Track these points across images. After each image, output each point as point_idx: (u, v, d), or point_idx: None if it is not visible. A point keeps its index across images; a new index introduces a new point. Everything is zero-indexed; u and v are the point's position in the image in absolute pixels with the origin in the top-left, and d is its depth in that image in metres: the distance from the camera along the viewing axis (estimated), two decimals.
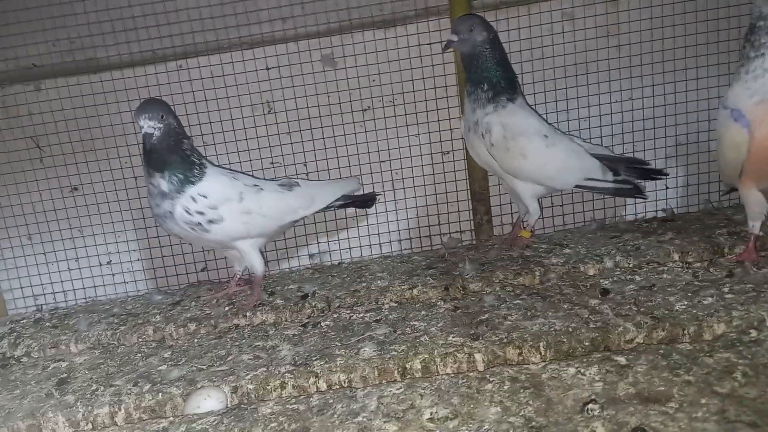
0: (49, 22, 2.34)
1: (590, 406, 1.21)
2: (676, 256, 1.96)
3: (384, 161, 2.50)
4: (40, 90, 2.39)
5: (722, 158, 1.78)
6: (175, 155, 1.81)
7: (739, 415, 1.14)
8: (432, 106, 2.45)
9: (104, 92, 2.39)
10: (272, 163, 2.48)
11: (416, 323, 1.70)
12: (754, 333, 1.42)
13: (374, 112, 2.46)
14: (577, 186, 2.11)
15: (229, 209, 1.86)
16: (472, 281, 1.97)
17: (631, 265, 1.93)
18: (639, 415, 1.17)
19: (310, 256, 2.52)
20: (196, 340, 1.79)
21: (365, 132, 2.47)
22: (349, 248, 2.53)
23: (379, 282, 2.03)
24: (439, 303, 1.84)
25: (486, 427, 1.20)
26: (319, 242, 2.53)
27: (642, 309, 1.59)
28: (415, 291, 1.96)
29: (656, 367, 1.33)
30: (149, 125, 1.75)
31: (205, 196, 1.83)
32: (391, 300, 1.92)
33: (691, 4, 2.35)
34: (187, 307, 2.00)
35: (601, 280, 1.83)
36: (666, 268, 1.85)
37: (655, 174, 2.18)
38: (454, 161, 2.49)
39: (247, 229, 1.91)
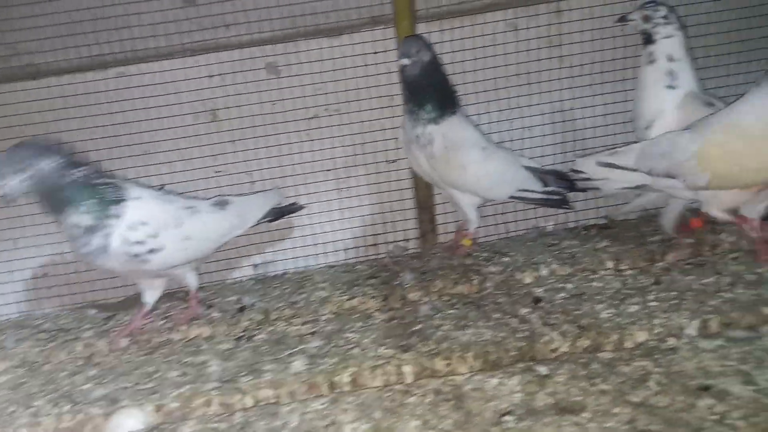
0: None
1: (506, 417, 1.23)
2: (609, 264, 2.00)
3: (330, 170, 2.50)
4: None
5: None
6: (78, 185, 1.62)
7: (648, 424, 1.17)
8: (377, 114, 2.46)
9: (43, 99, 2.33)
10: (217, 171, 2.46)
11: (351, 335, 1.69)
12: (672, 341, 1.46)
13: (320, 120, 2.46)
14: (511, 197, 2.13)
15: (170, 236, 1.72)
16: (412, 291, 1.98)
17: (565, 273, 1.97)
18: (553, 426, 1.19)
19: (255, 266, 2.49)
20: (125, 357, 1.76)
21: (311, 141, 2.47)
22: (295, 258, 2.52)
23: (319, 293, 2.03)
24: (376, 314, 1.84)
25: None
26: (264, 252, 2.51)
27: (569, 318, 1.62)
28: (354, 301, 1.96)
29: (575, 377, 1.35)
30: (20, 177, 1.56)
31: (145, 223, 1.68)
32: (329, 311, 1.92)
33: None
34: (121, 322, 1.96)
35: (534, 289, 1.86)
36: (598, 276, 1.88)
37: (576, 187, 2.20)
38: (399, 170, 2.50)
39: (187, 255, 1.79)
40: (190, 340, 1.83)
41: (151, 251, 1.69)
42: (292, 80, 2.40)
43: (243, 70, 2.38)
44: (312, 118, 2.46)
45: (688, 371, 1.33)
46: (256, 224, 2.00)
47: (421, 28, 2.39)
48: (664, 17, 1.91)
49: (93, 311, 2.06)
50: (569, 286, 1.84)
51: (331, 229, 2.51)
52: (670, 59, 1.91)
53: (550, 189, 2.12)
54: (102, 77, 2.35)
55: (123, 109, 2.36)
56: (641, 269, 1.90)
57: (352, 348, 1.61)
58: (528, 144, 2.48)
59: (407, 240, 2.54)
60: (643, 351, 1.43)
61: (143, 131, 2.38)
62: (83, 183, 1.63)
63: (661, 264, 1.93)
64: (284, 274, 2.34)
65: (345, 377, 1.49)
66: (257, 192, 2.18)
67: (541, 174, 2.15)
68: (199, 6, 2.35)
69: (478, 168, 2.05)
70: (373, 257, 2.47)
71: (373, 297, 1.96)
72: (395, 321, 1.76)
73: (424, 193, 2.47)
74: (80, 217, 1.62)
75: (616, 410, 1.23)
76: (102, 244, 1.64)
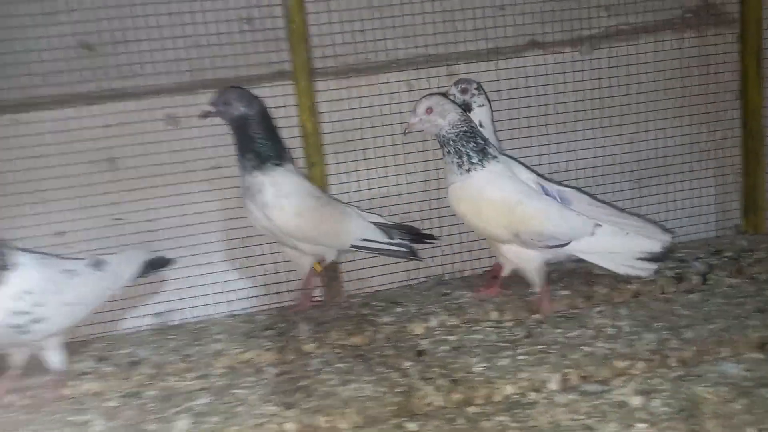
0: None
1: None
2: (494, 315, 2.14)
3: (235, 218, 2.53)
4: None
5: None
6: None
7: None
8: None
9: None
10: (115, 219, 2.44)
11: (240, 391, 1.73)
12: (533, 395, 1.59)
13: (222, 170, 2.49)
14: (353, 246, 2.25)
15: (54, 304, 1.64)
16: (307, 342, 2.04)
17: (452, 324, 2.08)
18: None
19: (155, 315, 2.47)
20: (10, 415, 1.71)
21: (213, 190, 2.50)
22: (199, 306, 2.51)
23: (215, 345, 2.04)
24: (268, 368, 1.88)
25: None
26: (167, 300, 2.48)
27: (445, 371, 1.73)
28: (249, 354, 1.99)
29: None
30: None
31: (29, 292, 1.59)
32: (223, 365, 1.94)
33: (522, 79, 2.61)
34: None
35: (421, 341, 1.96)
36: (480, 328, 2.01)
37: (427, 238, 2.40)
38: None
39: (70, 321, 1.73)
40: (79, 396, 1.80)
41: (35, 321, 1.61)
42: (192, 131, 2.43)
43: (141, 121, 2.39)
44: (212, 168, 2.49)
45: (541, 426, 1.46)
46: (130, 282, 1.96)
47: (320, 85, 2.50)
48: (477, 89, 2.22)
49: None
50: (452, 338, 1.95)
51: (233, 278, 2.53)
52: (481, 125, 2.18)
53: (395, 241, 2.25)
54: None
55: (17, 156, 2.31)
56: (518, 321, 2.04)
57: (238, 405, 1.64)
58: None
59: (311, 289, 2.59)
60: (506, 405, 1.55)
61: (40, 179, 2.33)
62: None
63: (537, 316, 2.08)
64: (183, 324, 2.33)
65: None
66: (126, 249, 2.15)
67: (386, 227, 2.28)
68: (99, 55, 2.36)
69: (314, 214, 2.13)
70: (276, 306, 2.51)
71: (269, 350, 2.00)
72: (285, 375, 1.81)
73: None
74: None
75: None
76: None
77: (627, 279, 2.24)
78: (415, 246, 2.36)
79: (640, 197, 2.74)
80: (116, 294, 1.94)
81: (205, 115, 2.11)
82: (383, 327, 2.09)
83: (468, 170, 1.98)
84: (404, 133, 2.17)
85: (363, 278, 2.61)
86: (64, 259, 1.85)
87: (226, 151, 2.45)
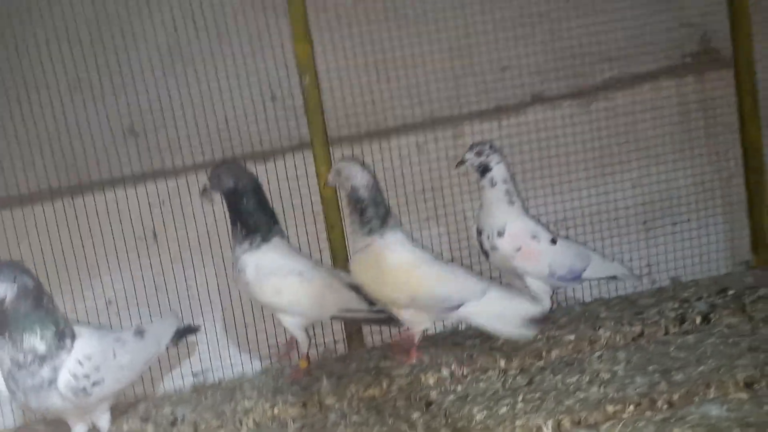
0: None
1: None
2: (502, 363, 2.26)
3: None
4: None
5: None
6: (39, 312, 1.75)
7: None
8: (302, 232, 2.74)
9: None
10: (157, 288, 2.70)
11: None
12: None
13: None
14: (333, 317, 2.40)
15: (110, 368, 1.85)
16: (328, 396, 2.21)
17: (462, 374, 2.22)
18: None
19: (194, 374, 2.70)
20: None
21: None
22: (233, 364, 2.73)
23: (246, 402, 2.24)
24: (291, 423, 2.06)
25: None
26: (201, 359, 2.72)
27: (449, 421, 1.87)
28: (276, 410, 2.18)
29: None
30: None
31: (89, 358, 1.80)
32: (252, 421, 2.13)
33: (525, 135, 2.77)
34: None
35: (431, 392, 2.10)
36: (486, 376, 2.14)
37: None
38: None
39: (120, 385, 1.93)
40: None
41: (95, 384, 1.81)
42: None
43: (180, 195, 2.67)
44: None
45: None
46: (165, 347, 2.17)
47: (337, 152, 2.73)
48: (491, 148, 2.35)
49: None
50: (459, 388, 2.09)
51: (271, 333, 2.73)
52: (505, 181, 2.35)
53: (376, 308, 2.32)
54: (50, 208, 2.61)
55: (72, 234, 2.62)
56: (523, 369, 2.16)
57: None
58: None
59: (335, 342, 2.78)
60: None
61: (92, 254, 2.63)
62: (47, 310, 1.77)
63: (541, 362, 2.20)
64: (220, 382, 2.54)
65: None
66: (161, 318, 2.43)
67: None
68: (141, 138, 2.67)
69: (293, 292, 2.27)
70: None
71: (293, 404, 2.18)
72: (305, 429, 1.99)
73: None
74: (37, 343, 1.71)
75: None
76: (50, 378, 1.73)
77: (630, 322, 2.35)
78: None
79: (647, 239, 2.83)
80: (154, 359, 2.15)
81: (203, 190, 2.35)
82: (398, 378, 2.24)
83: (369, 232, 2.19)
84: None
85: (382, 329, 2.78)
86: (114, 330, 2.13)
87: None
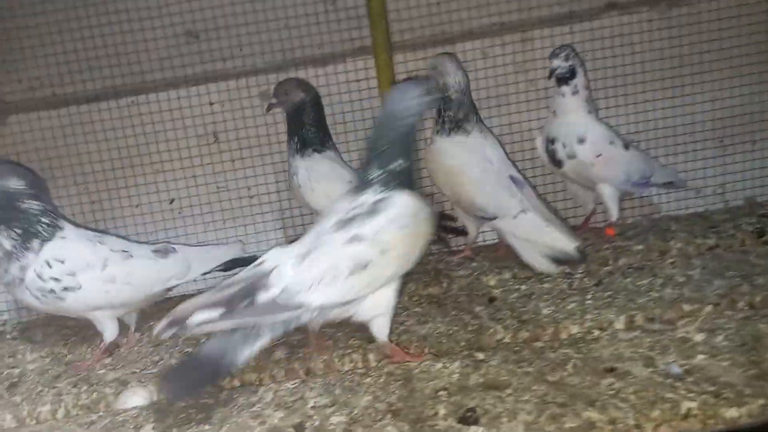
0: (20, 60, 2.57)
1: (440, 393, 1.46)
2: (566, 267, 2.21)
3: None
4: (5, 125, 2.63)
5: None
6: (8, 212, 1.75)
7: (555, 398, 1.39)
8: (359, 136, 2.71)
9: (63, 126, 2.63)
10: (219, 187, 2.73)
11: (327, 329, 1.94)
12: (596, 332, 1.68)
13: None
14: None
15: (90, 276, 1.77)
16: None
17: (524, 276, 2.18)
18: (477, 399, 1.42)
19: None
20: (137, 349, 2.02)
21: None
22: None
23: None
24: None
25: (356, 412, 1.45)
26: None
27: (515, 314, 1.85)
28: None
29: (507, 361, 1.58)
30: None
31: (61, 261, 1.75)
32: None
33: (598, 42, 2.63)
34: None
35: (494, 290, 2.09)
36: (550, 278, 2.10)
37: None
38: None
39: (108, 298, 1.81)
40: None
41: (66, 289, 1.76)
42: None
43: (240, 98, 2.66)
44: None
45: (603, 357, 1.55)
46: (208, 274, 2.04)
47: (398, 58, 2.65)
48: (576, 54, 2.22)
49: None
50: (523, 287, 2.06)
51: None
52: (586, 88, 2.25)
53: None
54: (115, 106, 2.64)
55: (135, 133, 2.65)
56: (589, 272, 2.11)
57: (328, 339, 1.85)
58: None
59: None
60: (570, 341, 1.66)
61: (154, 152, 2.66)
62: (24, 211, 1.76)
63: (609, 268, 2.14)
64: None
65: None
66: (217, 244, 2.46)
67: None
68: (201, 41, 2.65)
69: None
70: None
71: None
72: None
73: None
74: (4, 240, 1.74)
75: (534, 387, 1.45)
76: (20, 276, 1.75)
77: (704, 235, 2.25)
78: None
79: (723, 156, 2.69)
80: (180, 282, 1.99)
81: (268, 107, 2.37)
82: (458, 279, 2.23)
83: (438, 132, 2.25)
84: None
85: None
86: (128, 241, 2.00)
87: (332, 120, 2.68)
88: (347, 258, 1.50)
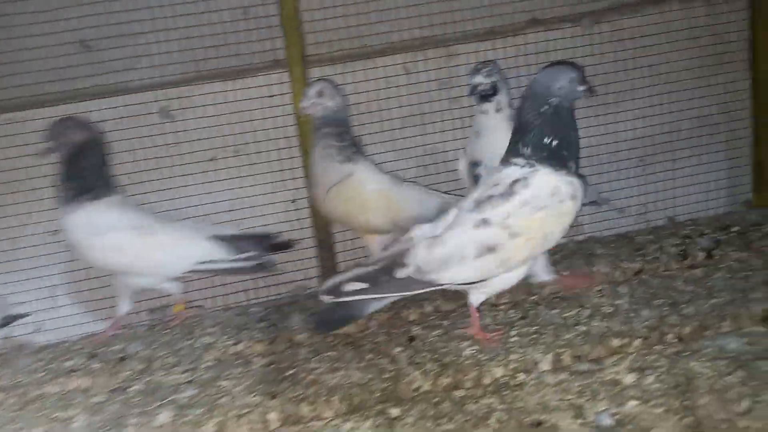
0: None
1: None
2: (491, 298, 2.08)
3: (230, 210, 2.52)
4: None
5: None
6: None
7: None
8: (275, 156, 2.51)
9: None
10: None
11: (225, 383, 1.70)
12: (521, 375, 1.53)
13: (217, 162, 2.49)
14: (190, 271, 2.09)
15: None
16: (300, 333, 2.00)
17: (447, 310, 2.03)
18: None
19: (151, 311, 2.47)
20: None
21: (210, 182, 2.49)
22: (193, 300, 2.50)
23: (205, 338, 2.02)
24: (256, 359, 1.85)
25: None
26: (160, 296, 2.48)
27: (435, 356, 1.68)
28: (239, 346, 1.97)
29: (424, 417, 1.41)
30: None
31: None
32: (213, 358, 1.92)
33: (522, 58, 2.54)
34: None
35: (413, 327, 1.91)
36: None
37: (282, 247, 2.17)
38: (298, 209, 2.55)
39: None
40: (67, 392, 1.80)
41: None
42: (188, 123, 2.43)
43: (135, 115, 2.40)
44: (211, 160, 2.48)
45: (528, 407, 1.40)
46: None
47: (315, 72, 2.47)
48: (498, 70, 2.06)
49: None
50: (446, 323, 1.90)
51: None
52: (509, 106, 2.07)
53: (243, 255, 2.07)
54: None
55: (16, 155, 2.34)
56: (515, 303, 1.98)
57: (222, 396, 1.62)
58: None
59: (308, 279, 2.57)
60: (494, 387, 1.50)
61: (34, 177, 2.35)
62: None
63: (534, 297, 2.02)
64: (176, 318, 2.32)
65: (210, 427, 1.50)
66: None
67: (236, 240, 2.08)
68: (94, 51, 2.37)
69: (133, 247, 2.00)
70: (272, 298, 2.50)
71: (260, 341, 1.97)
72: (272, 366, 1.78)
73: (324, 232, 2.52)
74: None
75: None
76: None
77: (629, 258, 2.18)
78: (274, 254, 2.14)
79: (645, 175, 2.65)
80: None
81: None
82: (377, 314, 2.04)
83: (348, 159, 2.05)
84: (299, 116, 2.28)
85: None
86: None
87: (224, 142, 2.47)
88: (474, 241, 1.56)
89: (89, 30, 2.34)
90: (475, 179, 2.11)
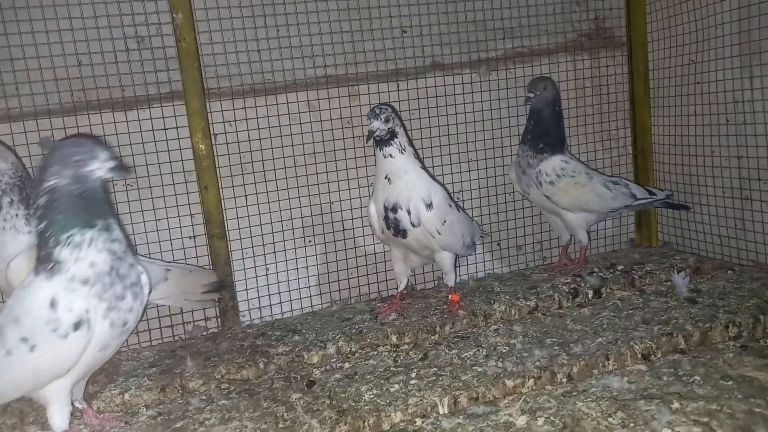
0: None
1: None
2: (393, 338, 2.08)
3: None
4: None
5: None
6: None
7: None
8: (169, 191, 2.39)
9: None
10: None
11: None
12: (419, 422, 1.53)
13: (114, 196, 2.34)
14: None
15: None
16: (193, 379, 1.90)
17: (348, 351, 2.00)
18: None
19: None
20: None
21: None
22: None
23: (90, 387, 1.87)
24: (143, 410, 1.73)
25: None
26: None
27: (334, 402, 1.64)
28: (126, 396, 1.83)
29: None
30: None
31: None
32: (95, 408, 1.77)
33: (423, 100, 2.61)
34: None
35: (314, 370, 1.87)
36: (376, 353, 1.94)
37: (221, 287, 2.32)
38: (197, 246, 2.44)
39: None
40: None
41: None
42: None
43: (18, 144, 2.21)
44: None
45: None
46: None
47: (215, 106, 2.40)
48: (395, 114, 2.07)
49: None
50: (347, 365, 1.87)
51: None
52: (410, 144, 2.10)
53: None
54: None
55: None
56: (416, 344, 1.99)
57: None
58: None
59: (206, 319, 2.46)
60: None
61: None
62: None
63: (435, 337, 2.04)
64: None
65: None
66: None
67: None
68: None
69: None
70: (169, 339, 2.36)
71: (149, 389, 1.85)
72: (160, 417, 1.67)
73: (223, 270, 2.42)
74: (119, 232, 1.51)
75: None
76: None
77: (525, 296, 2.26)
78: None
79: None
80: None
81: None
82: (277, 357, 1.98)
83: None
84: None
85: (262, 306, 2.50)
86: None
87: None
88: None
89: None
90: (394, 224, 2.06)
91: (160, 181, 2.37)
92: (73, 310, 1.38)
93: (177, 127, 2.36)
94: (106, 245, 1.43)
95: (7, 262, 1.81)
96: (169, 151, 2.36)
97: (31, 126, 2.22)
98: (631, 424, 1.39)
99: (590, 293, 2.28)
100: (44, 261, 1.42)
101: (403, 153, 2.07)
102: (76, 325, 1.38)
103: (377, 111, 2.02)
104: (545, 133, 2.39)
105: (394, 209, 2.04)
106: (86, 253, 1.41)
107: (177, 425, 1.60)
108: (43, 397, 1.49)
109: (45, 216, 1.43)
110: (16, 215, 1.84)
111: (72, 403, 1.56)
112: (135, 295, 1.47)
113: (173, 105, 2.37)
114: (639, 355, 1.76)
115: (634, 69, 2.83)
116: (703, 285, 2.20)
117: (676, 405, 1.45)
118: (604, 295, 2.26)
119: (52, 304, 1.38)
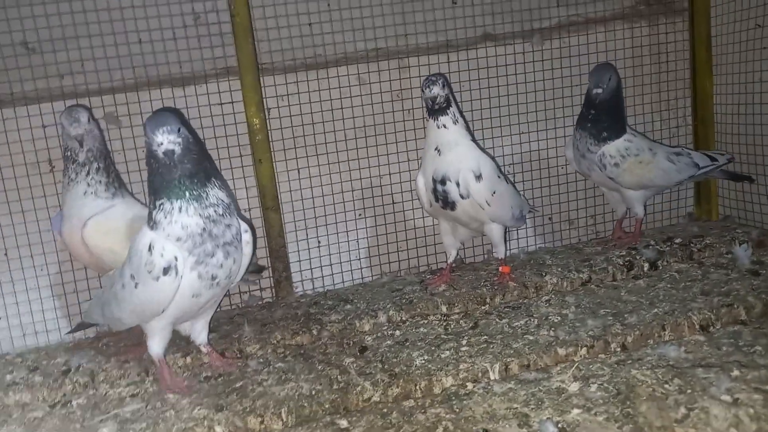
0: None
1: None
2: (443, 308, 2.09)
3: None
4: None
5: None
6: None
7: None
8: (230, 164, 2.46)
9: None
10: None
11: (171, 396, 1.66)
12: (470, 385, 1.54)
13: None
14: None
15: None
16: (250, 344, 1.97)
17: (399, 320, 2.03)
18: None
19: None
20: None
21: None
22: None
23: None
24: (203, 372, 1.81)
25: None
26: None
27: (386, 366, 1.68)
28: (188, 359, 1.92)
29: (372, 428, 1.40)
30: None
31: None
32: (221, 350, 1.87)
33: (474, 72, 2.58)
34: None
35: (366, 337, 1.91)
36: (426, 321, 1.97)
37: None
38: (251, 219, 2.51)
39: None
40: (6, 407, 1.72)
41: None
42: (135, 130, 2.36)
43: None
44: None
45: (476, 416, 1.41)
46: None
47: (268, 81, 2.45)
48: (448, 83, 2.06)
49: None
50: (398, 333, 1.91)
51: None
52: (462, 116, 2.10)
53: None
54: None
55: None
56: (466, 313, 2.00)
57: (167, 410, 1.58)
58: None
59: (261, 289, 2.53)
60: (443, 397, 1.51)
61: None
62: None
63: (485, 307, 2.04)
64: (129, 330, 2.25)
65: None
66: None
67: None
68: (34, 54, 2.28)
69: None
70: (226, 308, 2.45)
71: (208, 353, 1.93)
72: (220, 378, 1.74)
73: (276, 242, 2.49)
74: (220, 193, 1.64)
75: None
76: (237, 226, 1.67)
77: (577, 269, 2.23)
78: None
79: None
80: None
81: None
82: (329, 325, 2.03)
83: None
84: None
85: (314, 278, 2.56)
86: None
87: None
88: None
89: (31, 32, 2.25)
90: (443, 197, 2.07)
91: (217, 155, 2.44)
92: (164, 255, 1.55)
93: (232, 102, 2.42)
94: (198, 211, 1.57)
95: (84, 221, 1.93)
96: (225, 125, 2.42)
97: (96, 102, 2.32)
98: (689, 390, 1.37)
99: (646, 266, 2.23)
100: (149, 220, 1.61)
101: (456, 123, 2.07)
102: (166, 270, 1.55)
103: (433, 78, 2.02)
104: (608, 121, 2.30)
105: (443, 181, 2.04)
106: (177, 218, 1.56)
107: (236, 385, 1.67)
108: (147, 328, 1.71)
109: (148, 180, 1.63)
110: (100, 182, 1.98)
111: (200, 348, 1.84)
112: (227, 253, 1.60)
113: (228, 80, 2.42)
114: (697, 326, 1.72)
115: (696, 35, 2.71)
116: (766, 258, 2.12)
117: (735, 373, 1.42)
118: (660, 268, 2.20)
119: (150, 248, 1.57)
